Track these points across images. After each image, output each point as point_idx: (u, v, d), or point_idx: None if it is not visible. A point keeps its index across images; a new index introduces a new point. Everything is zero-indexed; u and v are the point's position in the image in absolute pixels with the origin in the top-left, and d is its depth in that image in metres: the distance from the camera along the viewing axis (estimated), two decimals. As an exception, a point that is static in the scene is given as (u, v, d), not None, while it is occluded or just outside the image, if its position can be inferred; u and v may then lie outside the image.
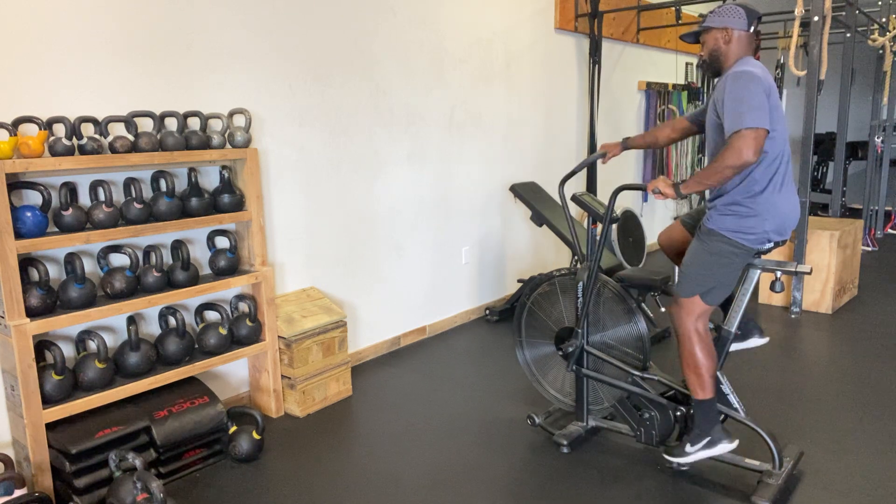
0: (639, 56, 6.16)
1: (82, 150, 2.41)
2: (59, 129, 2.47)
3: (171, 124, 2.79)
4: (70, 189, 2.44)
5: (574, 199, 2.69)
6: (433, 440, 2.87)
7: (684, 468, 2.55)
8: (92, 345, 2.56)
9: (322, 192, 3.49)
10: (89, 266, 2.62)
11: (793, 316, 4.50)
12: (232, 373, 3.18)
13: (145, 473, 2.17)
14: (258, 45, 3.10)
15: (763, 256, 2.88)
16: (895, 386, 3.33)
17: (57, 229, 2.44)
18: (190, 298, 2.81)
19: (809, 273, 2.40)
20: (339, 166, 3.56)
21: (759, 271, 2.41)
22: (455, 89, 4.19)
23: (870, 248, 6.60)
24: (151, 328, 2.85)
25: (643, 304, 2.66)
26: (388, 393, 3.38)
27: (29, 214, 2.29)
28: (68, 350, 2.59)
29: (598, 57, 5.29)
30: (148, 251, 2.69)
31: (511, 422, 3.03)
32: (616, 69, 5.85)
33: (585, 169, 5.45)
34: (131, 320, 2.62)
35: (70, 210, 2.41)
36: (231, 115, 2.92)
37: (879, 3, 6.86)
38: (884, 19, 6.62)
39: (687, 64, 6.95)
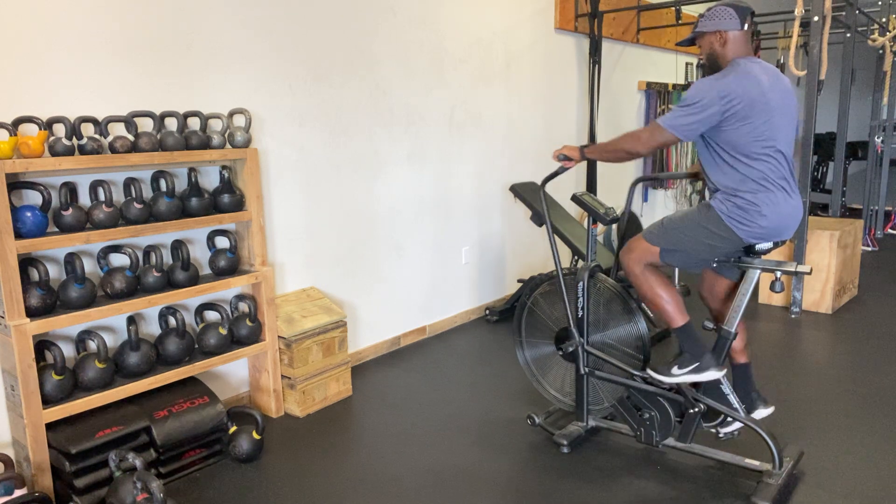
0: (639, 56, 6.16)
1: (82, 150, 2.41)
2: (59, 129, 2.47)
3: (171, 124, 2.79)
4: (70, 189, 2.44)
5: (574, 199, 2.70)
6: (433, 440, 2.87)
7: (665, 386, 2.50)
8: (92, 345, 2.56)
9: (322, 191, 3.49)
10: (89, 266, 2.62)
11: (793, 316, 4.50)
12: (232, 373, 3.18)
13: (145, 473, 2.17)
14: (258, 45, 3.10)
15: (763, 257, 2.88)
16: (895, 386, 3.33)
17: (57, 229, 2.44)
18: (190, 298, 2.81)
19: (809, 273, 2.40)
20: (339, 166, 3.56)
21: (758, 271, 2.41)
22: (455, 89, 4.19)
23: (870, 248, 6.61)
24: (151, 328, 2.85)
25: (643, 304, 2.66)
26: (388, 393, 3.38)
27: (29, 214, 2.29)
28: (68, 350, 2.59)
29: (598, 57, 5.29)
30: (148, 251, 2.69)
31: (511, 422, 3.03)
32: (616, 69, 5.85)
33: (586, 169, 5.45)
34: (131, 320, 2.61)
35: (70, 210, 2.41)
36: (231, 115, 2.92)
37: (879, 3, 6.86)
38: (884, 19, 6.63)
39: (687, 64, 6.95)
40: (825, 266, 4.51)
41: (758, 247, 2.37)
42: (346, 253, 3.67)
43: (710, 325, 2.55)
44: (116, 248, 2.62)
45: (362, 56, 3.60)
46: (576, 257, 4.26)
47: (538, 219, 4.18)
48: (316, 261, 3.51)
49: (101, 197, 2.54)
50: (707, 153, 2.36)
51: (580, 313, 2.67)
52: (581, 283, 2.65)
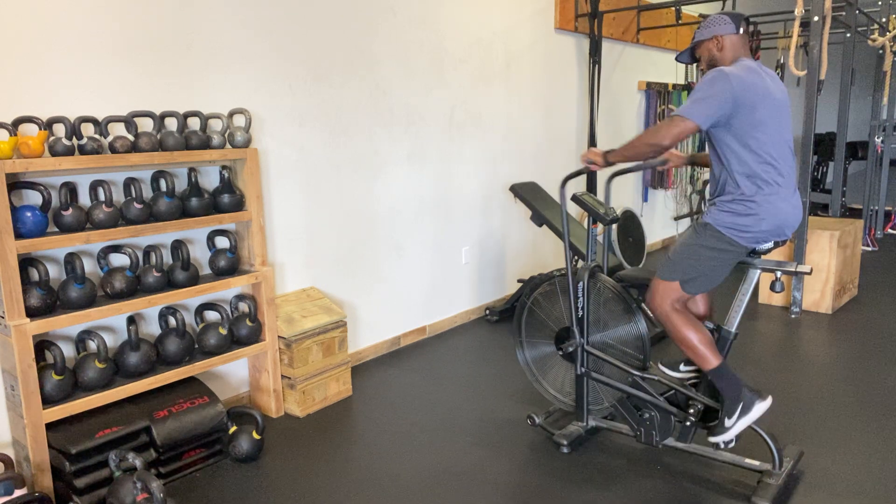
0: (639, 56, 6.16)
1: (82, 150, 2.41)
2: (59, 129, 2.47)
3: (171, 124, 2.79)
4: (70, 189, 2.44)
5: (574, 199, 2.70)
6: (433, 440, 2.88)
7: (731, 444, 2.42)
8: (92, 345, 2.56)
9: (322, 191, 3.49)
10: (89, 266, 2.62)
11: (793, 316, 4.50)
12: (232, 373, 3.18)
13: (145, 473, 2.17)
14: (258, 44, 3.10)
15: (763, 256, 2.88)
16: (895, 386, 3.33)
17: (57, 229, 2.44)
18: (190, 298, 2.81)
19: (809, 273, 2.40)
20: (339, 166, 3.56)
21: (758, 271, 2.41)
22: (455, 89, 4.19)
23: (870, 248, 6.61)
24: (151, 328, 2.85)
25: (643, 304, 2.66)
26: (388, 393, 3.38)
27: (29, 214, 2.29)
28: (68, 350, 2.59)
29: (598, 57, 5.29)
30: (148, 251, 2.69)
31: (511, 422, 3.03)
32: (616, 69, 5.85)
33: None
34: (131, 320, 2.61)
35: (70, 210, 2.41)
36: (231, 115, 2.92)
37: (879, 3, 6.86)
38: (884, 19, 6.62)
39: (687, 64, 6.95)
40: (825, 266, 4.51)
41: (759, 247, 2.38)
42: (346, 253, 3.67)
43: (710, 325, 2.55)
44: (116, 248, 2.62)
45: (362, 56, 3.60)
46: (576, 257, 4.26)
47: (538, 219, 4.19)
48: (316, 261, 3.51)
49: (101, 197, 2.54)
50: (714, 152, 2.39)
51: (580, 313, 2.67)
52: (581, 283, 2.65)
